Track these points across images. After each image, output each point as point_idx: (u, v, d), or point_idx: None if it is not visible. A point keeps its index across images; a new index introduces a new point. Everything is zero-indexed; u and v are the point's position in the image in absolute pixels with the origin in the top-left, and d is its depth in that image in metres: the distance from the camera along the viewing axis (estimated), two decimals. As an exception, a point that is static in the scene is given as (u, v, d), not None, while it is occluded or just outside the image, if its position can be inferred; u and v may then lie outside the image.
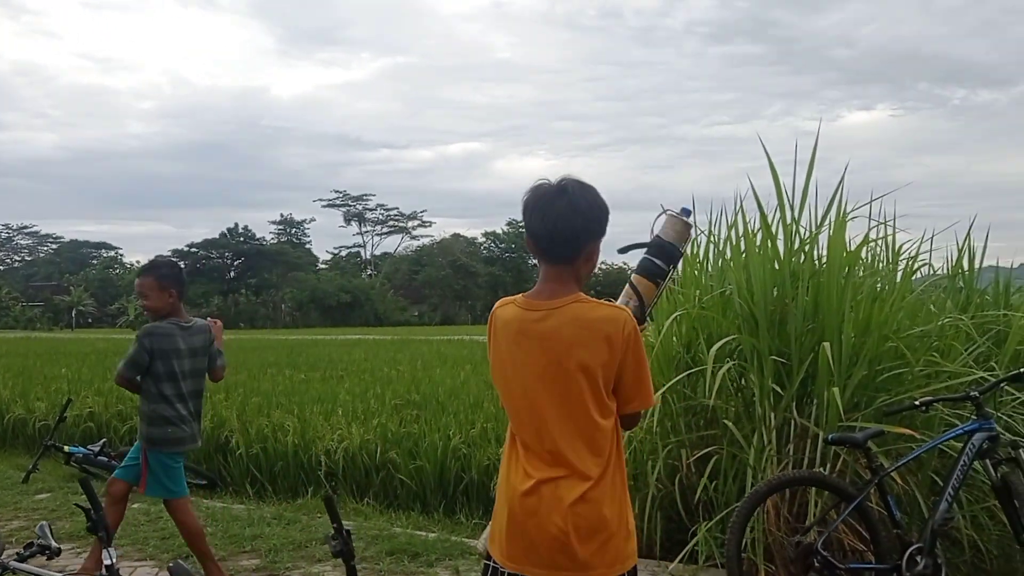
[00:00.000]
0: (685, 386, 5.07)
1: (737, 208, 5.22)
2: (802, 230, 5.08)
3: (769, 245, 5.00)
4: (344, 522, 5.83)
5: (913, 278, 5.62)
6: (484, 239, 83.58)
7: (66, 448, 7.38)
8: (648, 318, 2.81)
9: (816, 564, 3.83)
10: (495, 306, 2.34)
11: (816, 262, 4.98)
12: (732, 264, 5.15)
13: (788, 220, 5.01)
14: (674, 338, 5.29)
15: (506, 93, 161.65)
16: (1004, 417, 4.84)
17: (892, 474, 4.15)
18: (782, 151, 4.99)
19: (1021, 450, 4.08)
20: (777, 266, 4.94)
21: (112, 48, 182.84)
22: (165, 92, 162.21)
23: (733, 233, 5.27)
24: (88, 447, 7.31)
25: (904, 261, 5.50)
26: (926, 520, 4.03)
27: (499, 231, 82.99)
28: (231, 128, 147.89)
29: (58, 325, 67.32)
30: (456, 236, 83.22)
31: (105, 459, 7.18)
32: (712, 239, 5.50)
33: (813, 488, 4.30)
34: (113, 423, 8.54)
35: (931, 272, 6.14)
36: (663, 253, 2.71)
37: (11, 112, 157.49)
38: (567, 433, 2.15)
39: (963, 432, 4.11)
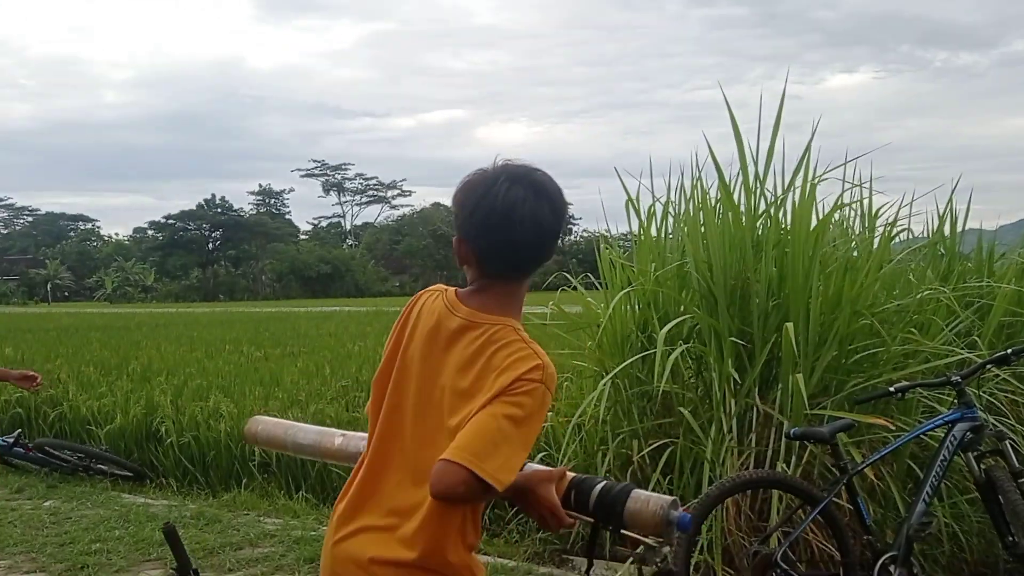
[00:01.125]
0: (640, 370, 4.59)
1: (696, 173, 4.70)
2: (768, 194, 4.58)
3: (730, 212, 4.49)
4: (270, 520, 5.42)
5: (892, 244, 5.13)
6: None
7: None
8: None
9: (776, 577, 3.34)
10: (427, 289, 1.81)
11: (782, 229, 4.48)
12: (688, 233, 4.64)
13: (751, 183, 4.50)
14: (628, 314, 4.81)
15: (486, 59, 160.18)
16: (984, 395, 4.38)
17: (863, 470, 3.68)
18: (765, 115, 4.48)
19: (1007, 441, 3.60)
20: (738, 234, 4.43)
21: (86, 17, 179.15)
22: (141, 62, 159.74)
23: (692, 204, 4.75)
24: (2, 438, 6.74)
25: (882, 227, 5.01)
26: (901, 522, 3.56)
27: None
28: (209, 98, 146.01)
29: (33, 299, 66.17)
30: (437, 205, 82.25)
31: (22, 450, 6.62)
32: (670, 208, 4.97)
33: (775, 487, 3.83)
34: (43, 409, 7.95)
35: (910, 238, 5.67)
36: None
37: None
38: (420, 478, 1.59)
39: (943, 422, 3.63)
